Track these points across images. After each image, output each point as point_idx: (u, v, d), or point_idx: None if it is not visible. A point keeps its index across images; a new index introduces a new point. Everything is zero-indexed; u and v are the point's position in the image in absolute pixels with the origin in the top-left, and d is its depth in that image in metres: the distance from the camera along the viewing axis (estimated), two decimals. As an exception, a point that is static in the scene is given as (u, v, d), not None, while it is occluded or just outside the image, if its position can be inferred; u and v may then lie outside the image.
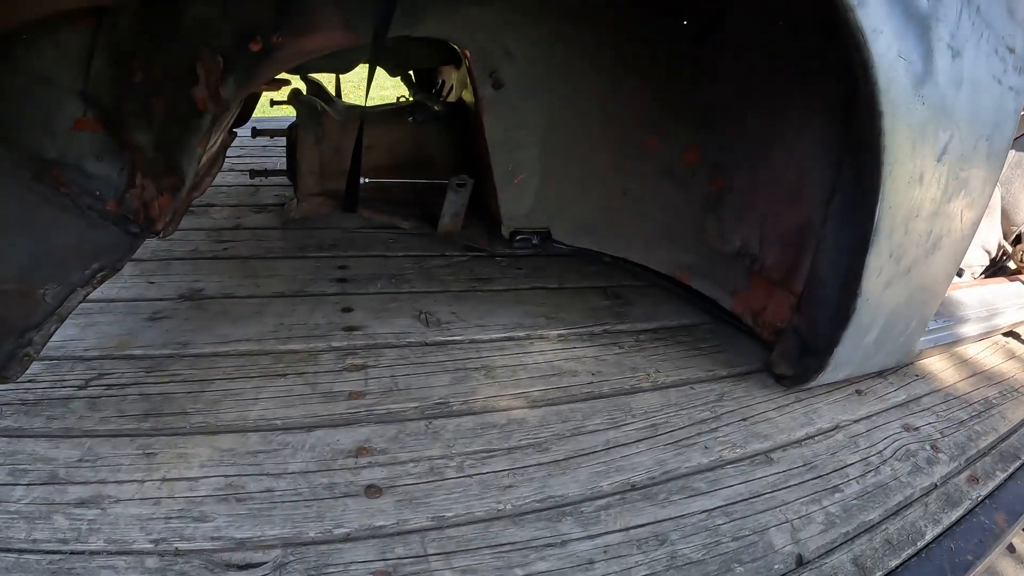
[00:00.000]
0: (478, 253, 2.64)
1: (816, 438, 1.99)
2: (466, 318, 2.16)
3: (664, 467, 1.74)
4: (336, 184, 2.49)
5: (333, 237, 2.63)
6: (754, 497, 1.71)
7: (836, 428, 2.07)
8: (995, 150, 1.85)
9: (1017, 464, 2.20)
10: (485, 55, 2.23)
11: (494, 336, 2.11)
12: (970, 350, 3.02)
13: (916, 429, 2.18)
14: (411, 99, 3.13)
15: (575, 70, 2.37)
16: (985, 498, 1.95)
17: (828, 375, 2.01)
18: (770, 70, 2.13)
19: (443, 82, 3.57)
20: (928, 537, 1.71)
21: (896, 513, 1.75)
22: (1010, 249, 3.36)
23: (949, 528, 1.76)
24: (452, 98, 2.93)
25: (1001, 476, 2.09)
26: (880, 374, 2.45)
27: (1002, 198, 3.23)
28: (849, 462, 1.91)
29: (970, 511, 1.87)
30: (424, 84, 3.67)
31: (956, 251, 2.02)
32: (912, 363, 2.53)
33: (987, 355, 3.07)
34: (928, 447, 2.08)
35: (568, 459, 1.71)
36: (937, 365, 2.74)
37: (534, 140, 2.47)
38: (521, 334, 2.13)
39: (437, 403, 1.74)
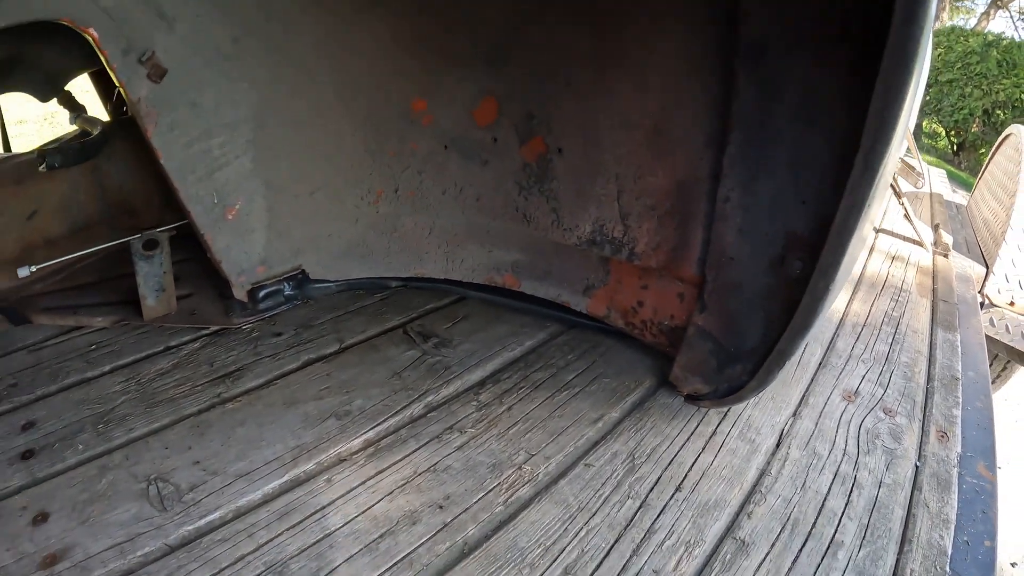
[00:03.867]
0: (217, 328, 1.83)
1: (772, 472, 1.46)
2: (219, 467, 1.37)
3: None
4: (2, 282, 1.83)
5: (12, 369, 1.69)
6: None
7: (782, 439, 1.57)
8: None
9: (959, 387, 1.96)
10: (124, 30, 1.41)
11: (268, 490, 1.33)
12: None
13: (857, 393, 1.80)
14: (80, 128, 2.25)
15: (281, 15, 1.59)
16: (962, 455, 1.65)
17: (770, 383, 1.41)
18: None
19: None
20: (949, 549, 1.34)
21: (908, 540, 1.33)
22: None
23: (957, 520, 1.42)
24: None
25: (957, 413, 1.82)
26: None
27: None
28: (824, 489, 1.42)
29: (960, 480, 1.55)
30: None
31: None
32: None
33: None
34: (882, 413, 1.72)
35: None
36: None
37: (241, 145, 1.68)
38: (309, 467, 1.39)
39: None
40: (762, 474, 1.44)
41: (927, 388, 1.89)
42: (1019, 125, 4.48)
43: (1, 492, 1.31)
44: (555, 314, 1.86)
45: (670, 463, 1.43)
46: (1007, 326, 3.18)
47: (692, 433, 1.52)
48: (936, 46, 12.14)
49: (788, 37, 1.21)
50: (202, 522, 1.25)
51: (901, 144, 1.13)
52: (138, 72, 1.45)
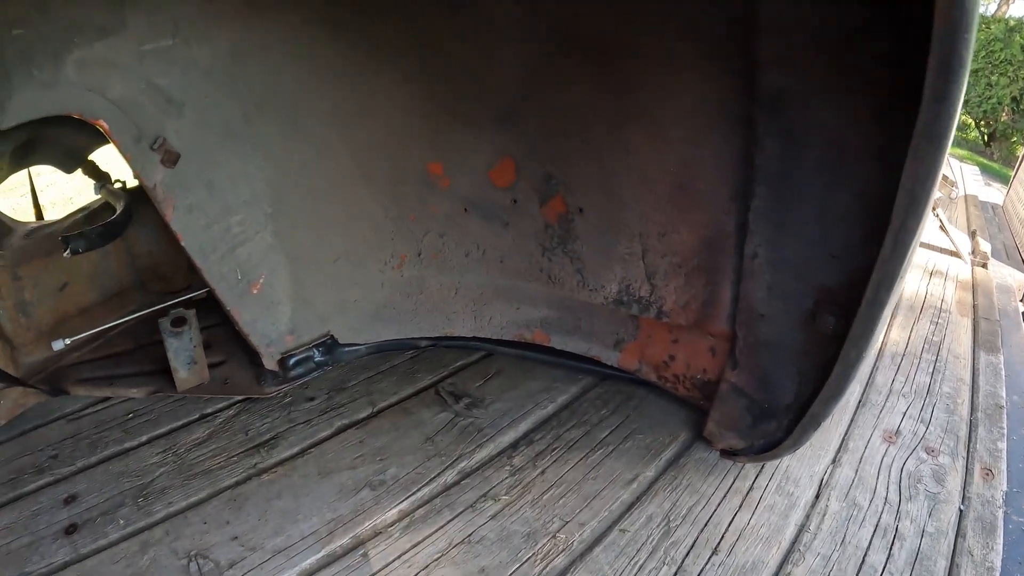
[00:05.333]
0: (249, 397, 1.82)
1: (811, 528, 1.43)
2: (257, 542, 1.37)
3: None
4: (38, 354, 1.81)
5: (52, 439, 1.70)
6: None
7: (821, 490, 1.54)
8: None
9: (1003, 416, 1.90)
10: (134, 118, 1.39)
11: (306, 566, 1.33)
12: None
13: (898, 433, 1.76)
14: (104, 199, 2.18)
15: (290, 89, 1.60)
16: (1007, 492, 1.62)
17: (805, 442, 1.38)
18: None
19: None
20: (993, 597, 1.32)
21: (953, 594, 1.30)
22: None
23: (1002, 565, 1.39)
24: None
25: (1002, 446, 1.77)
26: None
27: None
28: (865, 543, 1.39)
29: (1006, 521, 1.51)
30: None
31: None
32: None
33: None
34: (924, 453, 1.68)
35: None
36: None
37: (260, 219, 1.69)
38: (345, 541, 1.38)
39: None
40: (801, 530, 1.42)
41: (970, 420, 1.85)
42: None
43: (48, 569, 1.33)
44: (586, 367, 1.85)
45: (706, 524, 1.41)
46: (1051, 335, 3.08)
47: (728, 489, 1.51)
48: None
49: (808, 86, 1.18)
50: (240, 602, 1.26)
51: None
52: (151, 158, 1.45)
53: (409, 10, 1.52)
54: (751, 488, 1.51)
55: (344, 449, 1.64)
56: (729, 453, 1.54)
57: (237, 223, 1.64)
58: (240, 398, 1.82)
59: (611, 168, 1.54)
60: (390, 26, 1.55)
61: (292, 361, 1.82)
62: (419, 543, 1.37)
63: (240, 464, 1.60)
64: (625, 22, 1.37)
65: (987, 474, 1.65)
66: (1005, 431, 1.81)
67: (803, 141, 1.22)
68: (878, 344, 1.27)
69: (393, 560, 1.33)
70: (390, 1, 1.51)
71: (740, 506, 1.46)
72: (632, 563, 1.32)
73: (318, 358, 1.86)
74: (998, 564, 1.36)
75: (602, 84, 1.48)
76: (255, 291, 1.71)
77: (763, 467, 1.57)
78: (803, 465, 1.58)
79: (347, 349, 1.91)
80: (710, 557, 1.33)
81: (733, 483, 1.52)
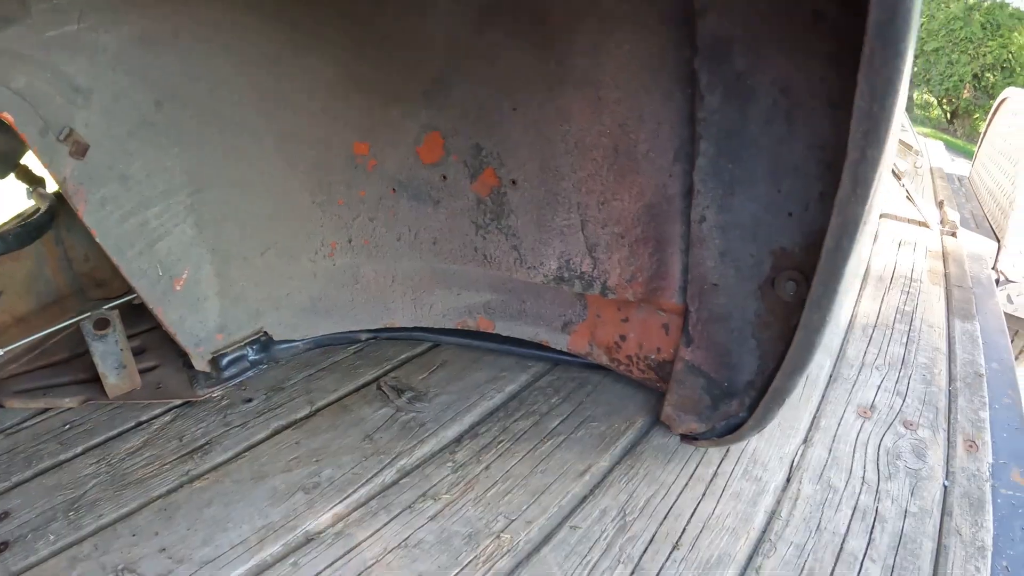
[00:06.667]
0: (186, 400, 1.68)
1: (782, 515, 1.29)
2: (185, 553, 1.24)
3: None
4: None
5: None
6: None
7: (792, 473, 1.41)
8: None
9: (984, 384, 1.79)
10: (39, 109, 1.30)
11: None
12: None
13: (873, 407, 1.63)
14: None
15: (205, 74, 1.48)
16: (994, 464, 1.50)
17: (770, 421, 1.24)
18: None
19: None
20: (987, 577, 1.21)
21: (941, 577, 1.19)
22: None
23: (994, 543, 1.27)
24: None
25: (984, 416, 1.65)
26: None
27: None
28: (842, 528, 1.26)
29: (994, 495, 1.39)
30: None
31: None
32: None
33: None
34: (902, 427, 1.55)
35: None
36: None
37: (179, 212, 1.57)
38: (275, 549, 1.22)
39: None
40: (771, 518, 1.27)
41: (949, 390, 1.73)
42: (1013, 89, 4.31)
43: (-24, 595, 1.20)
44: (537, 354, 1.71)
45: (666, 516, 1.27)
46: (1026, 302, 3.00)
47: (691, 477, 1.36)
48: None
49: (754, 28, 1.05)
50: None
51: (896, 139, 0.96)
52: (59, 151, 1.35)
53: None
54: (715, 475, 1.37)
55: (279, 451, 1.49)
56: (690, 438, 1.39)
57: (155, 216, 1.51)
58: (178, 403, 1.68)
59: (545, 136, 1.40)
60: (313, 6, 1.43)
61: (225, 361, 1.69)
62: (352, 549, 1.21)
63: (172, 472, 1.45)
64: None
65: (971, 446, 1.52)
66: (987, 400, 1.70)
67: (750, 91, 1.09)
68: (847, 310, 1.13)
69: (324, 569, 1.18)
70: None
71: (703, 495, 1.31)
72: (584, 562, 1.16)
73: (252, 356, 1.73)
74: (989, 542, 1.24)
75: (532, 48, 1.34)
76: (178, 287, 1.58)
77: (728, 451, 1.43)
78: (771, 447, 1.44)
79: (283, 346, 1.77)
80: (670, 552, 1.18)
81: (695, 470, 1.38)
